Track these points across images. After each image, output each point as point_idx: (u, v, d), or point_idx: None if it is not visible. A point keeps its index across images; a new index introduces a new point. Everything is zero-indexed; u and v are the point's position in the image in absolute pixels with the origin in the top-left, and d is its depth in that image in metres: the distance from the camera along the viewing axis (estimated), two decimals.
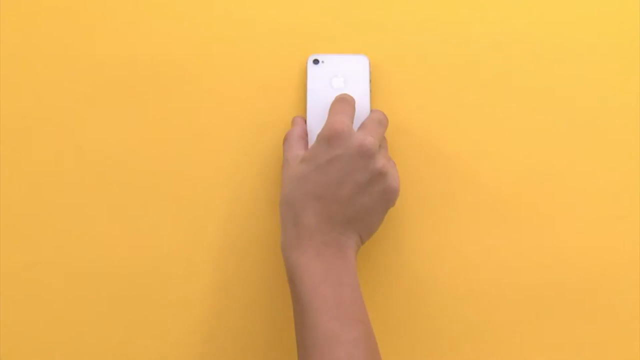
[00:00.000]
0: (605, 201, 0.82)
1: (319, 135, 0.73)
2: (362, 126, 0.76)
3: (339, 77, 0.83)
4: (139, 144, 0.83)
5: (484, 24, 0.86)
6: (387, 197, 0.73)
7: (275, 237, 0.81)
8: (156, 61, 0.85)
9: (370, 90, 0.84)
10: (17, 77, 0.85)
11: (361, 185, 0.71)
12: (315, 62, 0.84)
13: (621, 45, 0.85)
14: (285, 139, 0.78)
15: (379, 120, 0.77)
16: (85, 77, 0.85)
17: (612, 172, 0.83)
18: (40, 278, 0.81)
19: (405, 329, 0.80)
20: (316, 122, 0.82)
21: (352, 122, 0.76)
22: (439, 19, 0.86)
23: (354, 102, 0.78)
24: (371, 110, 0.80)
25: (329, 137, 0.71)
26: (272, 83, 0.84)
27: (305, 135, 0.78)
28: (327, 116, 0.79)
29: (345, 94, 0.79)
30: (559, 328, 0.80)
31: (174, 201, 0.82)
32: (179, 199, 0.82)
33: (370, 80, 0.84)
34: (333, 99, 0.82)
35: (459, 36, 0.86)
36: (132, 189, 0.82)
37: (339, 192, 0.70)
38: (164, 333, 0.80)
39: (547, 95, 0.84)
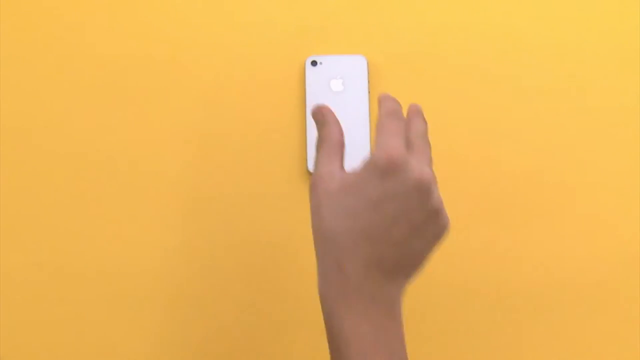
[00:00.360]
0: (603, 202, 0.82)
1: (370, 162, 0.60)
2: (412, 146, 0.64)
3: (338, 79, 0.84)
4: (139, 144, 0.83)
5: (482, 24, 0.86)
6: (439, 238, 0.63)
7: (275, 236, 0.81)
8: (155, 62, 0.85)
9: (369, 91, 0.84)
10: (17, 77, 0.85)
11: (416, 225, 0.61)
12: (314, 63, 0.84)
13: (621, 45, 0.85)
14: (321, 145, 0.65)
15: (423, 134, 0.66)
16: (85, 78, 0.85)
17: (611, 172, 0.83)
18: (40, 278, 0.81)
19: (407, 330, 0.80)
20: None
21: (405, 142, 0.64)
22: (436, 19, 0.86)
23: (401, 112, 0.65)
24: (410, 111, 0.67)
25: (384, 168, 0.59)
26: (271, 85, 0.84)
27: (343, 141, 0.65)
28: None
29: (394, 104, 0.65)
30: (557, 330, 0.80)
31: (174, 201, 0.82)
32: (178, 199, 0.82)
33: (368, 81, 0.84)
34: (332, 101, 0.82)
35: (456, 36, 0.86)
36: (131, 189, 0.83)
37: (392, 234, 0.60)
38: (164, 333, 0.80)
39: (547, 95, 0.84)
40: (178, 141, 0.84)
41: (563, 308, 0.80)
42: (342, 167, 0.64)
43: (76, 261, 0.81)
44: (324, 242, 0.61)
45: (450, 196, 0.82)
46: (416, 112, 0.67)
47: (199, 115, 0.84)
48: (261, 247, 0.81)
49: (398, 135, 0.62)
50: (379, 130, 0.62)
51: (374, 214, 0.60)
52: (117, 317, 0.80)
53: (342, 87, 0.83)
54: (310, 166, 0.82)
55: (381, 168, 0.60)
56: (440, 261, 0.81)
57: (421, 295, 0.81)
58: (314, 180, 0.63)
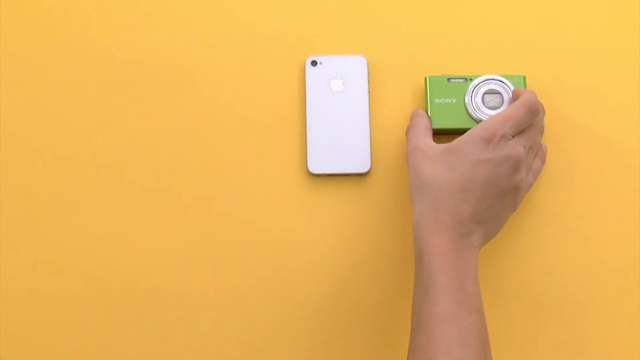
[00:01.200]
0: (605, 201, 0.82)
1: (475, 132, 0.75)
2: (523, 131, 0.77)
3: (338, 79, 0.84)
4: (139, 144, 0.83)
5: (482, 24, 0.86)
6: (511, 210, 0.77)
7: (277, 235, 0.81)
8: (155, 63, 0.85)
9: (369, 91, 0.84)
10: (17, 77, 0.85)
11: (501, 192, 0.74)
12: (314, 63, 0.84)
13: (621, 45, 0.86)
14: (412, 129, 0.80)
15: (538, 124, 0.79)
16: (85, 77, 0.85)
17: (611, 172, 0.83)
18: (40, 278, 0.81)
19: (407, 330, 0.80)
20: (316, 124, 0.82)
21: (519, 127, 0.76)
22: (436, 19, 0.86)
23: (536, 112, 0.77)
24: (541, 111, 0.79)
25: (486, 137, 0.74)
26: (271, 85, 0.84)
27: (430, 127, 0.80)
28: (325, 118, 0.81)
29: (535, 101, 0.77)
30: (558, 329, 0.80)
31: (174, 201, 0.82)
32: (179, 199, 0.82)
33: (368, 81, 0.84)
34: (333, 100, 0.83)
35: (456, 36, 0.86)
36: (132, 189, 0.83)
37: (484, 192, 0.73)
38: (164, 333, 0.80)
39: (547, 94, 0.84)
40: (178, 141, 0.83)
41: (562, 308, 0.80)
42: (433, 141, 0.78)
43: (76, 261, 0.81)
44: (424, 189, 0.74)
45: None
46: (541, 112, 0.79)
47: (199, 115, 0.84)
48: (261, 247, 0.81)
49: (511, 119, 0.75)
50: (506, 109, 0.77)
51: (471, 172, 0.73)
52: (117, 317, 0.80)
53: (342, 87, 0.84)
54: (310, 166, 0.82)
55: (483, 137, 0.74)
56: None
57: None
58: (410, 150, 0.77)
